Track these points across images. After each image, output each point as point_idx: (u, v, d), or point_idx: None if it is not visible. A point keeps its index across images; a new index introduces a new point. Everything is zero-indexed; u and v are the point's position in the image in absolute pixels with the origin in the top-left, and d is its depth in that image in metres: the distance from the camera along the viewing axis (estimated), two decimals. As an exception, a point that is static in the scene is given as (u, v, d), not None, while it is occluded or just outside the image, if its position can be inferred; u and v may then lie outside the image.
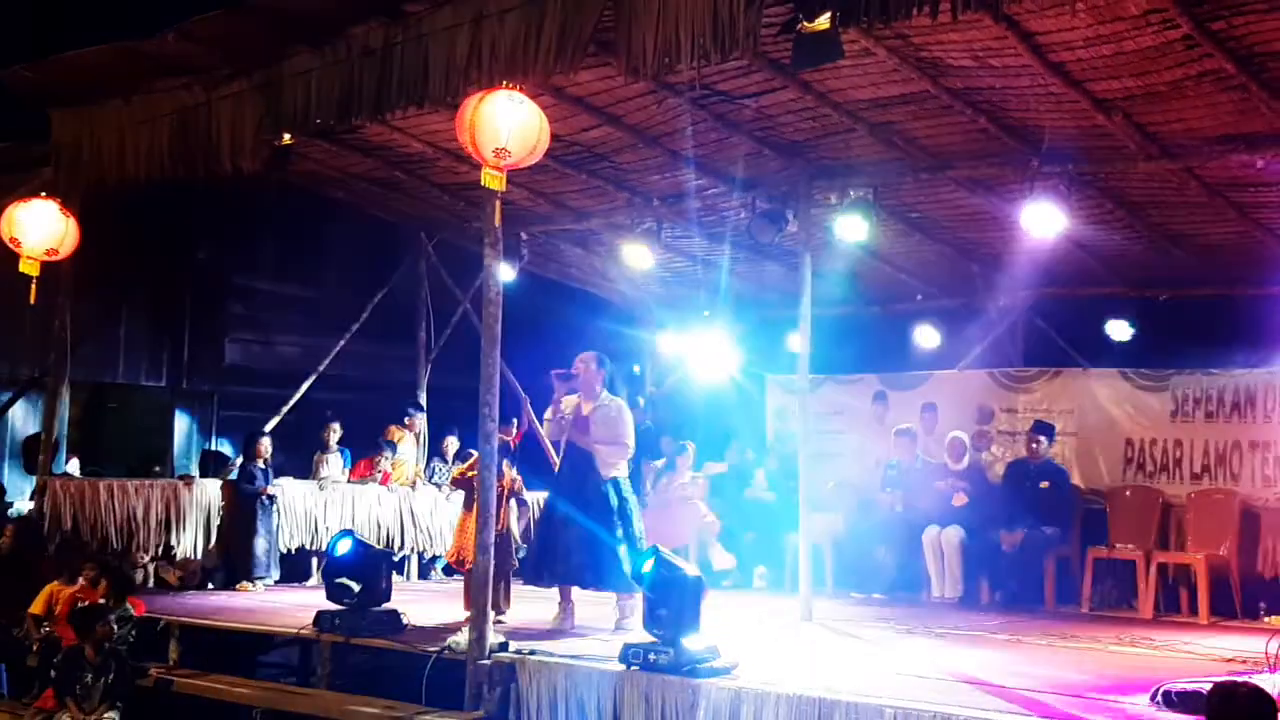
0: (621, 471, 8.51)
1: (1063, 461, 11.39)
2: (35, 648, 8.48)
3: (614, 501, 8.34)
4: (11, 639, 8.80)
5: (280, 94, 8.32)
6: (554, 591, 8.61)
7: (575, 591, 8.55)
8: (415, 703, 7.10)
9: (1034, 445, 11.00)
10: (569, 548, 8.30)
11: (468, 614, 7.76)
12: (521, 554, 9.83)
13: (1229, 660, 7.14)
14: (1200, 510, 10.61)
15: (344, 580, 8.17)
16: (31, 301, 9.20)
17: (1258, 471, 10.87)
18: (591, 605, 8.57)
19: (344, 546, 8.42)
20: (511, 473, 8.88)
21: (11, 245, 9.15)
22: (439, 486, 12.54)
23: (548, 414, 8.63)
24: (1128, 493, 11.08)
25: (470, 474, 8.47)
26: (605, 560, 8.24)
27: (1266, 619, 9.43)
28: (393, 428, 12.85)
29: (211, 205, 12.30)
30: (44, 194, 9.41)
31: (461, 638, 7.26)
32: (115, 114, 9.42)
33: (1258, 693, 4.33)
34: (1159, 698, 5.67)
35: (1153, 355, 11.78)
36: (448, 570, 12.39)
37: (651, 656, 6.48)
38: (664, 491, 12.40)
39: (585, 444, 8.35)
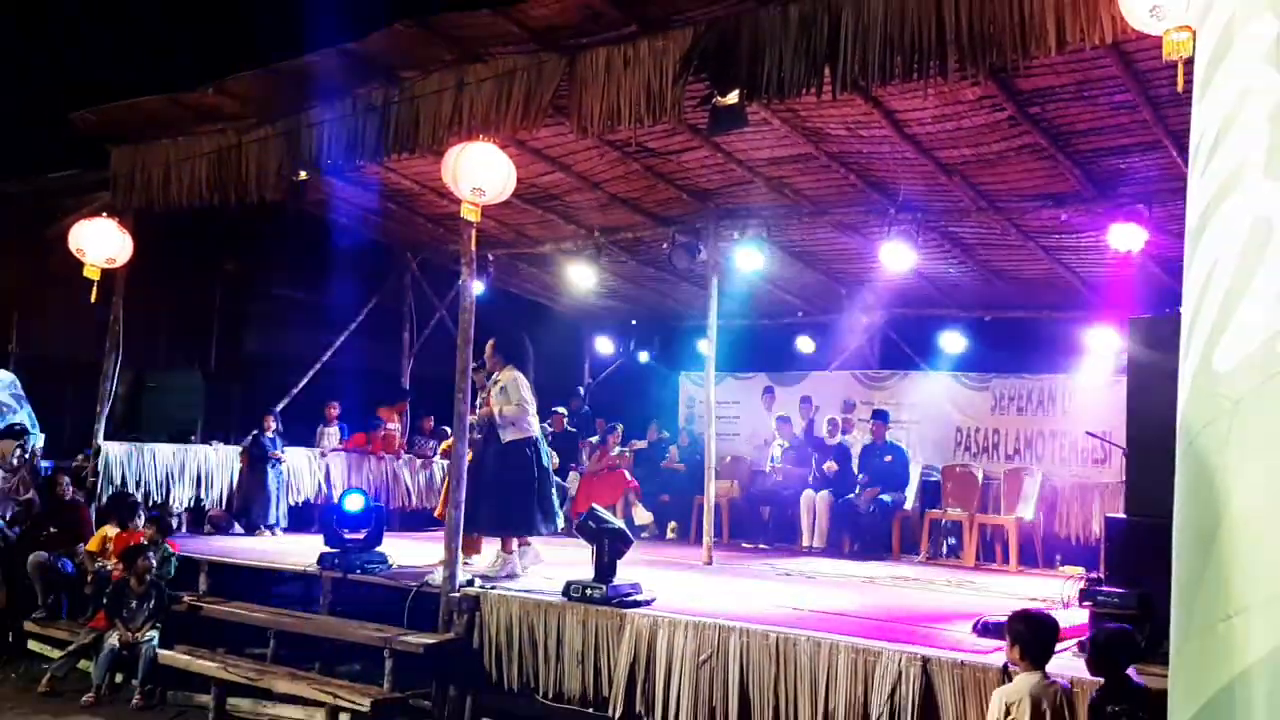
0: (526, 433, 7.75)
1: (907, 444, 11.60)
2: (90, 579, 8.35)
3: (518, 460, 7.66)
4: (69, 573, 8.66)
5: (299, 139, 8.20)
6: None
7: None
8: (399, 626, 7.08)
9: (876, 428, 11.20)
10: (486, 501, 7.64)
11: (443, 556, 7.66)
12: None
13: (1032, 599, 7.26)
14: (1012, 483, 10.81)
15: (347, 528, 8.12)
16: (92, 300, 9.07)
17: (1056, 454, 11.15)
18: (548, 547, 8.53)
19: (354, 502, 8.31)
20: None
21: (78, 254, 9.01)
22: (417, 455, 12.48)
23: (479, 399, 8.13)
24: (957, 469, 11.26)
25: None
26: (505, 511, 7.69)
27: (1061, 568, 9.66)
28: (383, 408, 12.75)
29: (238, 226, 12.12)
30: (105, 214, 9.28)
31: (437, 575, 7.27)
32: (163, 150, 9.24)
33: (1045, 617, 4.57)
34: (978, 627, 5.83)
35: (978, 362, 12.03)
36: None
37: (588, 591, 6.51)
38: (597, 462, 12.41)
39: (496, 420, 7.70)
